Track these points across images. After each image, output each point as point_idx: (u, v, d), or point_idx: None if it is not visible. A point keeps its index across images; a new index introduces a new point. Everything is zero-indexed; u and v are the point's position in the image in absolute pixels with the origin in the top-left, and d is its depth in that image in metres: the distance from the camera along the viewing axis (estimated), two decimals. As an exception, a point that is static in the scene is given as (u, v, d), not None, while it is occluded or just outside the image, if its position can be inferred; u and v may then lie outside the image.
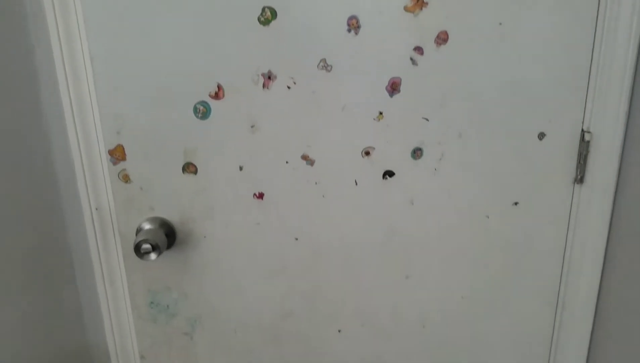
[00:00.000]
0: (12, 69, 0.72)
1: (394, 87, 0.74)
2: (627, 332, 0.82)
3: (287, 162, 0.76)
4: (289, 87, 0.73)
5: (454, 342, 0.88)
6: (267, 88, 0.73)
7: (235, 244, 0.81)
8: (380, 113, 0.75)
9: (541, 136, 0.77)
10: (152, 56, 0.71)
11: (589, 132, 0.76)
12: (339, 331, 0.87)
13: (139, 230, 0.77)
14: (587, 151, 0.77)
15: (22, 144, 0.75)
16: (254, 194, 0.78)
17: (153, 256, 0.73)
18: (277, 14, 0.69)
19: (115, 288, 0.83)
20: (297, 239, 0.81)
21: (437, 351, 0.88)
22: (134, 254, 0.78)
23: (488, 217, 0.81)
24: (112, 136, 0.73)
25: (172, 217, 0.78)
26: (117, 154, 0.74)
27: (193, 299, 0.83)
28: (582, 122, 0.76)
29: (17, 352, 0.83)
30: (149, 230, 0.75)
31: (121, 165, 0.75)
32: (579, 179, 0.78)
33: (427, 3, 0.69)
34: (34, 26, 0.72)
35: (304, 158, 0.76)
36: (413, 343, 0.88)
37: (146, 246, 0.72)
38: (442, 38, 0.71)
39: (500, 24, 0.70)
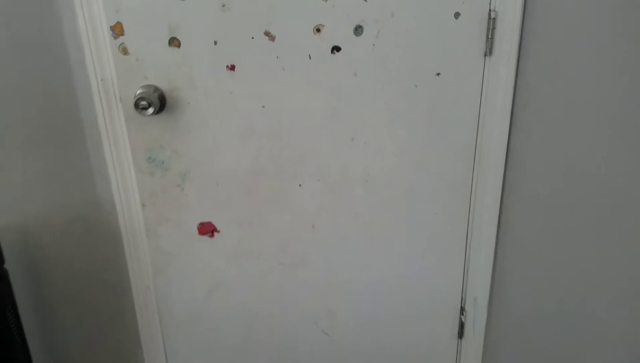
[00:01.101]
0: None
1: (337, -27, 0.91)
2: (531, 174, 1.03)
3: (252, 37, 0.95)
4: (252, -27, 0.90)
5: (390, 194, 1.09)
6: (235, -26, 0.90)
7: (213, 110, 1.00)
8: (327, -5, 0.93)
9: (457, 15, 0.95)
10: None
11: (494, 10, 0.94)
12: (300, 185, 1.09)
13: (137, 95, 0.96)
14: (494, 27, 0.96)
15: (37, 25, 0.93)
16: (227, 66, 0.97)
17: (150, 110, 0.93)
18: None
19: (119, 147, 1.03)
20: (263, 107, 1.01)
21: (377, 201, 1.10)
22: (134, 116, 0.98)
23: (416, 86, 1.00)
24: (112, 14, 0.91)
25: (162, 85, 0.97)
26: (117, 30, 0.93)
27: (182, 156, 1.04)
28: (490, 3, 0.94)
29: (40, 205, 1.05)
30: (145, 92, 0.94)
31: (120, 39, 0.93)
32: (488, 51, 0.98)
33: None
34: None
35: (267, 34, 0.95)
36: (358, 195, 1.09)
37: (144, 102, 0.92)
38: None
39: None
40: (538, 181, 1.03)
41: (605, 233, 0.98)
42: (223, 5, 0.92)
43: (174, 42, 0.94)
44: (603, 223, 0.98)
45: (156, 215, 1.08)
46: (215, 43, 0.95)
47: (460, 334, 1.26)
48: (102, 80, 0.98)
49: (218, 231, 1.11)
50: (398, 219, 1.12)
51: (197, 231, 1.11)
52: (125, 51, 0.94)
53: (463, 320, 1.24)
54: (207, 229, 1.11)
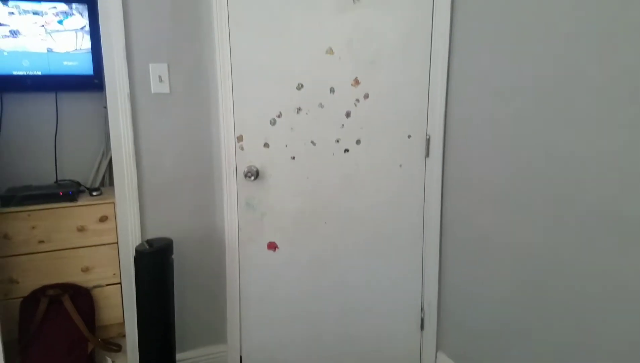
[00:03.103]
0: (202, 99, 1.89)
1: (347, 115, 1.85)
2: (454, 226, 1.85)
3: (304, 144, 1.88)
4: (306, 113, 1.86)
5: (377, 232, 1.92)
6: (298, 114, 1.86)
7: (282, 179, 1.91)
8: (342, 125, 1.86)
9: (409, 136, 1.85)
10: (255, 99, 1.86)
11: (429, 134, 1.83)
12: (325, 222, 1.94)
13: (245, 170, 1.89)
14: (429, 143, 1.84)
15: (201, 136, 1.91)
16: (291, 157, 1.89)
17: (252, 178, 1.85)
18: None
19: (231, 197, 1.94)
20: (307, 178, 1.91)
21: (370, 236, 1.92)
22: (242, 181, 1.91)
23: (389, 171, 1.88)
24: (239, 130, 1.88)
25: (258, 165, 1.90)
26: (240, 138, 1.88)
27: (264, 203, 1.93)
28: (426, 131, 1.84)
29: (189, 224, 1.95)
30: (250, 169, 1.87)
31: (240, 143, 1.89)
32: (427, 154, 1.85)
33: (360, 82, 1.82)
34: (211, 70, 1.90)
35: (312, 143, 1.88)
36: (359, 230, 1.93)
37: (249, 173, 1.85)
38: (366, 98, 1.83)
39: (395, 86, 1.82)
40: (458, 231, 1.83)
41: (503, 268, 1.75)
42: (292, 129, 1.86)
43: (266, 145, 1.88)
44: (500, 263, 1.75)
45: (246, 236, 1.96)
46: (286, 146, 1.88)
47: (422, 326, 1.98)
48: (228, 160, 1.93)
49: (278, 248, 1.96)
50: (381, 248, 1.93)
51: (266, 247, 1.96)
52: (242, 148, 1.89)
53: (423, 317, 1.98)
54: (272, 246, 1.96)
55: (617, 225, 1.25)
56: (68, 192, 2.10)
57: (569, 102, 1.35)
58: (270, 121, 1.86)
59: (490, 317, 1.72)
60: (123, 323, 2.06)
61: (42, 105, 2.23)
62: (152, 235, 1.90)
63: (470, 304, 1.83)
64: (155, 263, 1.71)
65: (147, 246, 1.73)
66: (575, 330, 1.39)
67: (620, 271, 1.26)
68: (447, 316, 1.94)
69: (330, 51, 1.79)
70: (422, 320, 1.98)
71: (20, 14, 1.99)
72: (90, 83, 2.14)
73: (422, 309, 1.98)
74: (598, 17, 1.26)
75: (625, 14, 1.20)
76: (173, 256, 1.82)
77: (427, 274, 1.95)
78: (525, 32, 1.48)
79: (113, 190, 1.91)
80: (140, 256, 1.70)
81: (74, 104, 2.28)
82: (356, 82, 1.82)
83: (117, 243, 2.11)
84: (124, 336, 2.07)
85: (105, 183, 2.36)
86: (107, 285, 2.14)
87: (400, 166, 1.88)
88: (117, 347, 2.03)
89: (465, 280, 1.83)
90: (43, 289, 2.02)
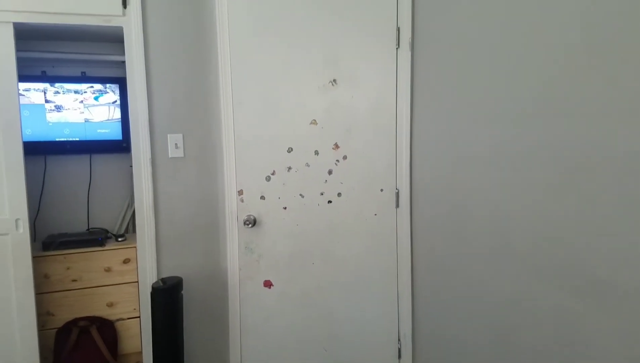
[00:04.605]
0: (212, 159, 2.28)
1: (329, 173, 2.22)
2: (424, 265, 2.16)
3: (294, 196, 2.24)
4: (296, 171, 2.23)
5: (357, 270, 2.24)
6: (289, 172, 2.23)
7: (276, 226, 2.26)
8: (325, 180, 2.22)
9: (382, 190, 2.20)
10: (253, 160, 2.24)
11: (397, 189, 2.18)
12: (313, 263, 2.27)
13: (244, 219, 2.25)
14: (398, 196, 2.19)
15: (208, 191, 2.29)
16: (283, 208, 2.25)
17: (250, 225, 2.21)
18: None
19: (233, 241, 2.30)
20: (297, 225, 2.26)
21: (352, 273, 2.24)
22: (242, 227, 2.27)
23: (366, 219, 2.22)
24: (239, 186, 2.25)
25: (256, 214, 2.26)
26: (240, 192, 2.25)
27: (260, 246, 2.28)
28: (395, 185, 2.18)
29: (197, 265, 2.31)
30: (248, 218, 2.23)
31: (241, 196, 2.26)
32: (397, 205, 2.19)
33: (339, 146, 2.20)
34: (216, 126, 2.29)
35: (300, 195, 2.24)
36: (342, 269, 2.25)
37: (248, 221, 2.20)
38: (345, 159, 2.20)
39: (366, 152, 2.19)
40: (425, 270, 2.14)
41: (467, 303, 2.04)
42: (284, 184, 2.23)
43: (262, 197, 2.25)
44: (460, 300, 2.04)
45: (245, 275, 2.29)
46: (279, 198, 2.24)
47: (399, 356, 2.26)
48: (230, 211, 2.29)
49: (273, 285, 2.29)
50: (362, 285, 2.25)
51: (263, 284, 2.29)
52: (242, 201, 2.26)
53: (399, 346, 2.25)
54: (268, 284, 2.29)
55: (531, 263, 1.57)
56: (98, 238, 2.48)
57: (494, 169, 1.70)
58: (266, 178, 2.24)
59: (457, 343, 2.00)
60: (141, 352, 2.38)
61: (78, 165, 2.65)
62: (166, 274, 2.25)
63: (439, 332, 2.11)
64: (167, 298, 2.06)
65: (162, 284, 2.08)
66: (532, 352, 1.68)
67: (533, 289, 1.56)
68: (421, 345, 2.22)
69: (314, 122, 2.18)
70: (399, 349, 2.26)
71: (63, 93, 2.44)
72: (119, 146, 2.56)
73: (399, 340, 2.26)
74: (520, 95, 1.62)
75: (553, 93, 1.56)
76: (183, 292, 2.16)
77: (402, 308, 2.24)
78: (464, 113, 1.85)
79: (135, 236, 2.28)
80: (155, 292, 2.05)
81: (104, 164, 2.70)
82: (336, 146, 2.20)
83: (137, 282, 2.46)
84: (141, 363, 2.39)
85: (129, 230, 2.75)
86: (129, 318, 2.48)
87: (375, 215, 2.22)
88: (135, 373, 2.35)
89: (433, 312, 2.12)
90: (74, 321, 2.37)
